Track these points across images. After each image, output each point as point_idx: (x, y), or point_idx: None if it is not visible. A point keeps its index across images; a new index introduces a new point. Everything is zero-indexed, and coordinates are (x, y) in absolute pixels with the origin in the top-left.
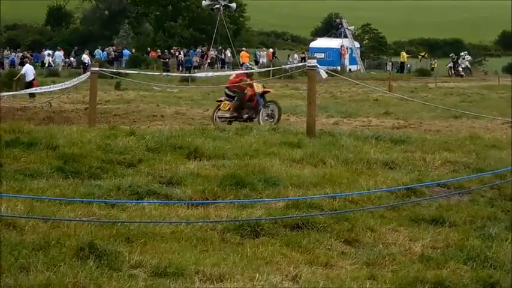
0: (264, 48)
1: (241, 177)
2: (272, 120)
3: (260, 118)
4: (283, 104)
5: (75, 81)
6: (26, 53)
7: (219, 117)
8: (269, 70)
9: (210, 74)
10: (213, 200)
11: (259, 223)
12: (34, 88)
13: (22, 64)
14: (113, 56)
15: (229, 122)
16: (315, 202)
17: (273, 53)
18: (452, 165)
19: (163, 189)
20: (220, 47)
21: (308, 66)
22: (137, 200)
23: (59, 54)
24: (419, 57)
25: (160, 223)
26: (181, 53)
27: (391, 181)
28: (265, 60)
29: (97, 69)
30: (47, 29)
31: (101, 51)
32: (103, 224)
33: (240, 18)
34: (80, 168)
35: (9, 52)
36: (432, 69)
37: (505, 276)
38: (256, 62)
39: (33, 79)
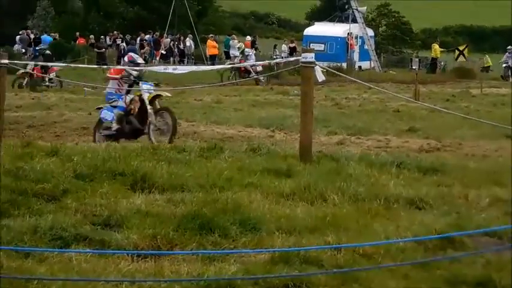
0: (234, 36)
1: (208, 218)
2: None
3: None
4: (266, 113)
5: None
6: None
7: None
8: None
9: (170, 68)
10: (168, 249)
11: (233, 283)
12: None
13: None
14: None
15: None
16: (311, 255)
17: (253, 43)
18: (505, 206)
19: (98, 233)
20: (178, 34)
21: (302, 62)
22: (61, 248)
23: None
24: (456, 53)
25: (94, 281)
26: (124, 40)
27: (418, 227)
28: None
29: (6, 61)
30: None
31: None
32: (13, 281)
33: None
34: None
35: None
36: (486, 69)
37: None
38: (228, 56)
39: None
